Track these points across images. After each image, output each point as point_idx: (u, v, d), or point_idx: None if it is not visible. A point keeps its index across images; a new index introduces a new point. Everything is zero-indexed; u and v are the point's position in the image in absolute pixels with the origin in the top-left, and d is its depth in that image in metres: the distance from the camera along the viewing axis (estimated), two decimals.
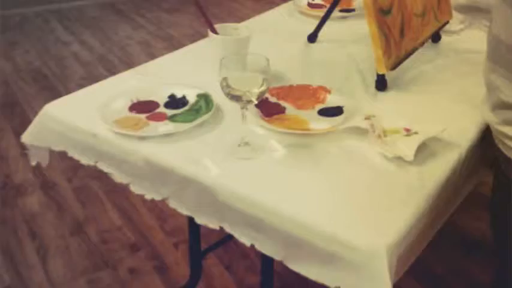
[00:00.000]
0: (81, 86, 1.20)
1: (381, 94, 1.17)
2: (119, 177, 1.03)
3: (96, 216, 2.03)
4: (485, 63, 1.01)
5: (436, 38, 1.38)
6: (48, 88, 3.02)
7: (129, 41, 3.68)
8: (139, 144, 1.00)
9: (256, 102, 0.93)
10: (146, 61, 1.34)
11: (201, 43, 1.43)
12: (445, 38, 1.41)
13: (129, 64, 3.34)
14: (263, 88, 0.91)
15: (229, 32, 1.17)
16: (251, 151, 0.97)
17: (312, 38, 1.40)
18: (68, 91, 1.30)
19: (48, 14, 4.20)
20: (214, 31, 1.14)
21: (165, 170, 0.96)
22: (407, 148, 0.93)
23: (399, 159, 0.93)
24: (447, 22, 1.39)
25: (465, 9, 1.53)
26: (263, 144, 0.99)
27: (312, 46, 1.40)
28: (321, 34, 1.41)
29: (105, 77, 1.23)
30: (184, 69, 1.28)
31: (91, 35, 3.78)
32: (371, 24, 1.10)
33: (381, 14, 1.12)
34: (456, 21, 1.45)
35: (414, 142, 0.94)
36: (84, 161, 1.08)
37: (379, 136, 0.96)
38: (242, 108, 0.93)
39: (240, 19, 1.51)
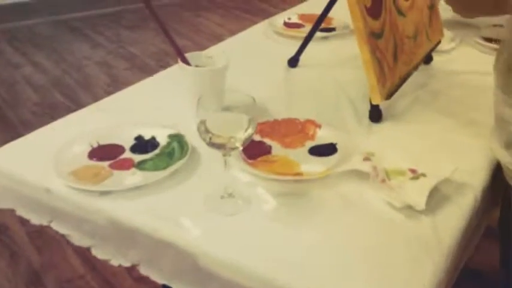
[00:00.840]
0: (34, 113, 1.03)
1: (375, 126, 1.04)
2: (77, 240, 0.87)
3: (56, 263, 1.83)
4: (496, 94, 0.89)
5: (427, 59, 1.27)
6: None
7: (86, 61, 3.48)
8: (101, 201, 0.84)
9: (241, 148, 0.79)
10: (107, 83, 1.18)
11: (170, 70, 1.27)
12: (436, 58, 1.30)
13: (88, 87, 3.15)
14: (249, 131, 0.76)
15: (202, 61, 1.02)
16: (236, 205, 0.82)
17: (293, 62, 1.27)
18: (20, 119, 1.12)
19: None
20: (185, 61, 0.99)
21: (133, 231, 0.81)
22: (417, 195, 0.80)
23: (409, 208, 0.80)
24: (439, 42, 1.28)
25: (453, 25, 1.43)
26: (249, 194, 0.85)
27: (293, 71, 1.27)
28: (302, 57, 1.28)
29: (61, 103, 1.07)
30: (152, 103, 1.11)
31: (44, 56, 3.56)
32: (363, 49, 0.97)
33: (373, 37, 1.00)
34: (446, 39, 1.35)
35: (424, 187, 0.81)
36: (36, 220, 0.91)
37: (384, 181, 0.83)
38: (224, 155, 0.79)
39: (208, 36, 1.36)
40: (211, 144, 0.76)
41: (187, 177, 0.89)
